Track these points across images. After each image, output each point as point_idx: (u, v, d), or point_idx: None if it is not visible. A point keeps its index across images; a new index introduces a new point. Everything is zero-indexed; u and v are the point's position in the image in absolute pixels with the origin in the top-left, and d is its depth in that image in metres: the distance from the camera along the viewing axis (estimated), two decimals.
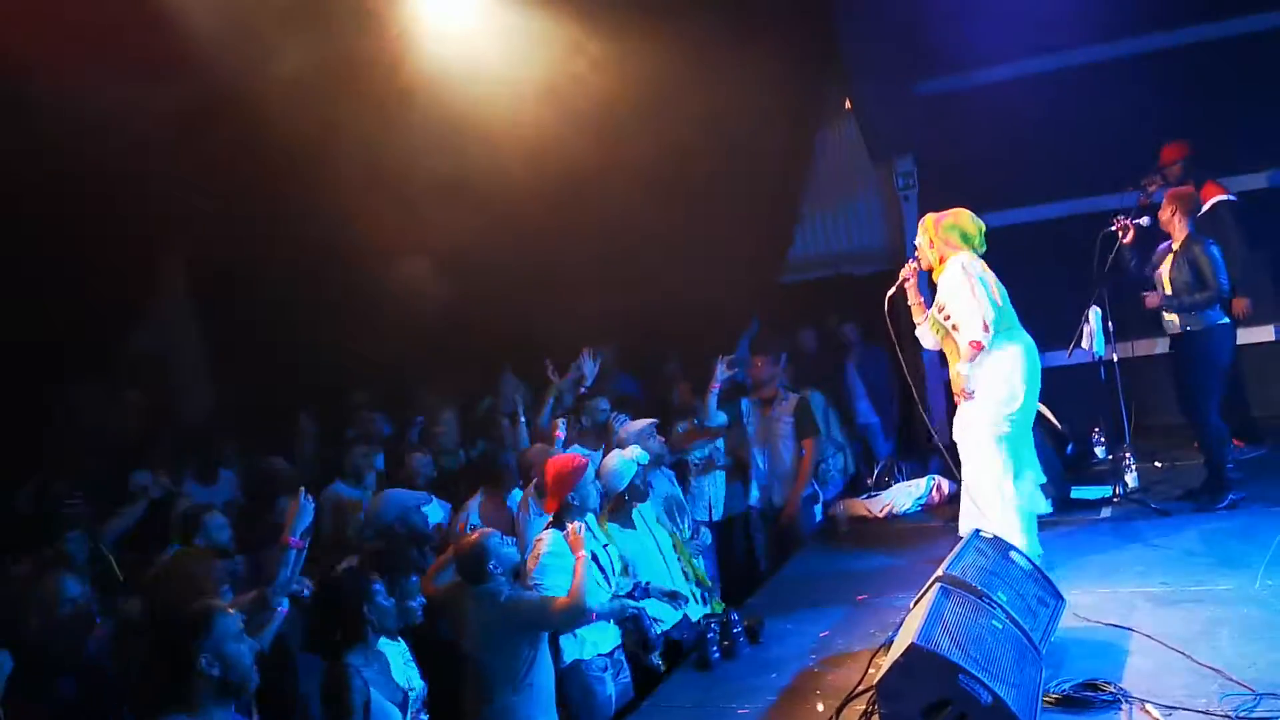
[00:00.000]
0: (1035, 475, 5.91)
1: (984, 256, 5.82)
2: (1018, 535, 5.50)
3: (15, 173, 7.35)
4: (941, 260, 5.82)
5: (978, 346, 5.64)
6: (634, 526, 5.82)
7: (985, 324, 5.60)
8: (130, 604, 4.75)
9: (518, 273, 9.27)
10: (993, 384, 5.69)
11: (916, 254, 5.99)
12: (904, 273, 6.01)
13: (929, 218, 5.92)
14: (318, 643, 4.23)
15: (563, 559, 5.02)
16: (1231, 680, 4.06)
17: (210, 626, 3.26)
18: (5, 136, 7.05)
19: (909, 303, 6.06)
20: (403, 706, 4.12)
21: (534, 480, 5.71)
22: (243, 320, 9.61)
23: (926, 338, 6.09)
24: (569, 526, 5.04)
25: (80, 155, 7.52)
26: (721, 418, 7.50)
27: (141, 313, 10.16)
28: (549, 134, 8.20)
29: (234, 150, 7.90)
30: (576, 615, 4.75)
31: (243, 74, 7.06)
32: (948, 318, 5.81)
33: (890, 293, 6.04)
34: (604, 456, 6.00)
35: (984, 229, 5.84)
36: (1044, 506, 5.94)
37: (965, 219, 5.81)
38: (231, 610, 3.40)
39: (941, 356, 6.41)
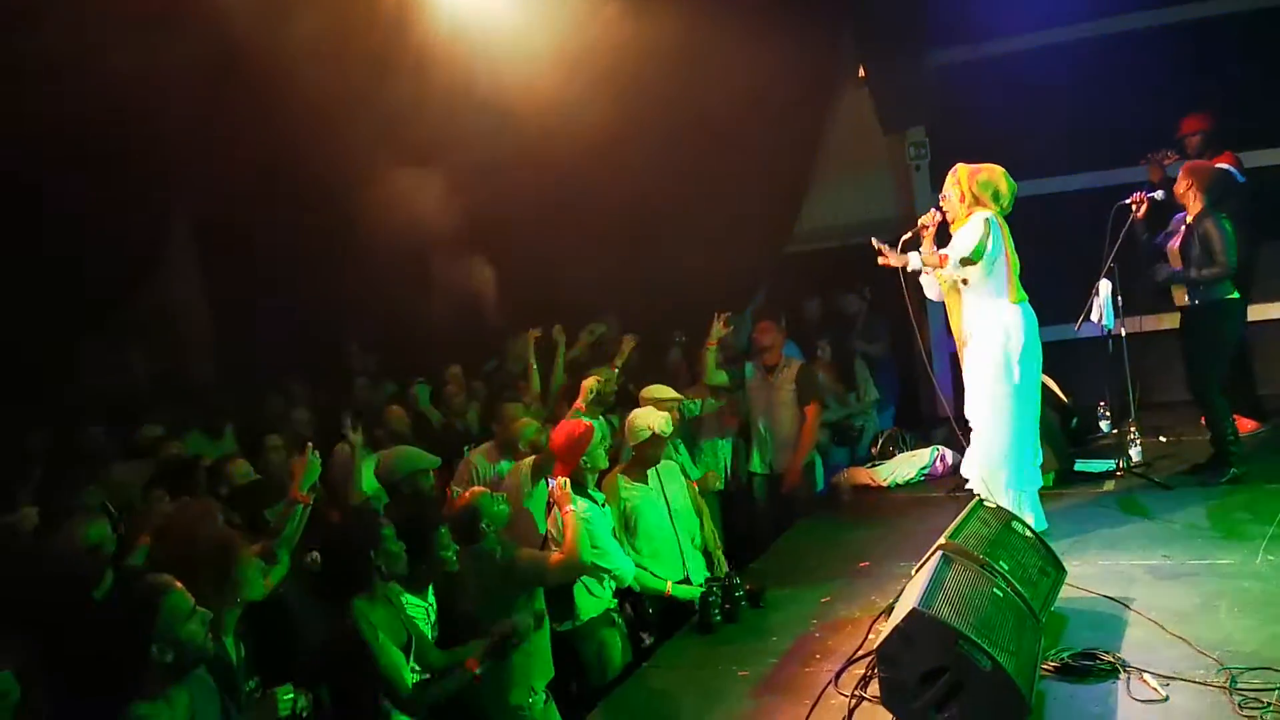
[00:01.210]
0: (1035, 453, 5.90)
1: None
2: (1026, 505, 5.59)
3: (23, 130, 7.33)
4: (969, 215, 5.73)
5: (944, 260, 5.62)
6: (646, 483, 5.89)
7: (961, 253, 5.56)
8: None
9: (523, 239, 9.26)
10: (994, 331, 5.69)
11: (942, 203, 5.88)
12: (924, 219, 5.90)
13: (962, 169, 5.79)
14: (325, 587, 4.25)
15: (598, 521, 5.21)
16: (1203, 654, 4.09)
17: (159, 611, 3.12)
18: (13, 92, 7.02)
19: (922, 249, 5.90)
20: (406, 649, 4.15)
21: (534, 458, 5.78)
22: (248, 279, 9.62)
23: (930, 287, 6.06)
24: (553, 483, 5.08)
25: (88, 113, 7.50)
26: (721, 377, 7.53)
27: (147, 271, 10.19)
28: (559, 100, 8.15)
29: (243, 109, 7.88)
30: (572, 569, 4.88)
31: (255, 31, 7.01)
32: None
33: (905, 237, 5.92)
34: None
35: (1016, 190, 5.76)
36: (1038, 480, 5.94)
37: (1000, 176, 5.72)
38: (175, 586, 3.23)
39: (947, 328, 6.39)
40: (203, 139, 8.10)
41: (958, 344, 5.93)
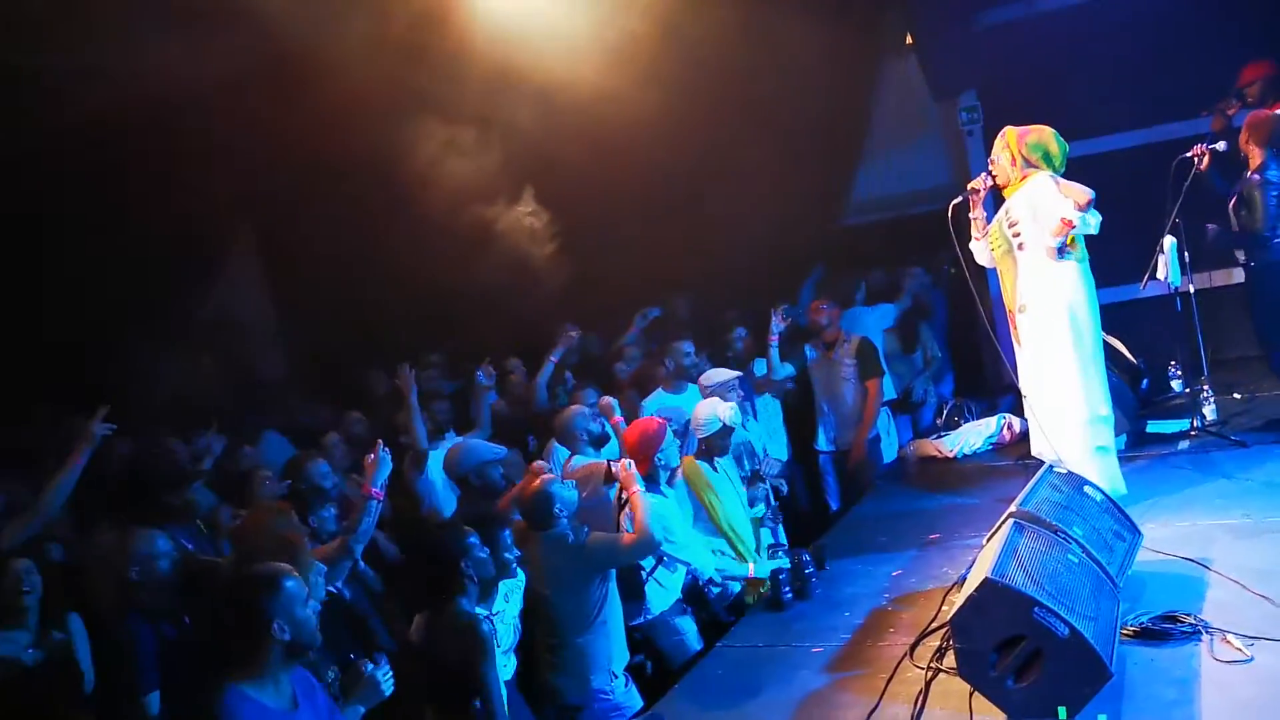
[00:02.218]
0: (1110, 415, 5.82)
1: None
2: (1104, 471, 5.51)
3: (83, 135, 7.49)
4: (1024, 178, 5.68)
5: (1068, 224, 5.47)
6: (716, 472, 5.93)
7: (1082, 204, 5.43)
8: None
9: (577, 222, 9.28)
10: (1054, 295, 5.61)
11: (991, 168, 5.84)
12: (974, 184, 5.90)
13: (1010, 132, 5.75)
14: (419, 597, 4.30)
15: (674, 516, 5.27)
16: None
17: (280, 591, 3.27)
18: (70, 99, 7.19)
19: (970, 215, 5.93)
20: None
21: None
22: (311, 279, 9.77)
23: (981, 254, 5.99)
24: (618, 464, 5.12)
25: (143, 117, 7.64)
26: (787, 369, 7.56)
27: (212, 274, 10.39)
28: (605, 80, 8.13)
29: (300, 109, 7.98)
30: (646, 548, 4.90)
31: (308, 31, 7.10)
32: (1017, 234, 5.71)
33: (955, 201, 5.91)
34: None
35: (1067, 150, 5.69)
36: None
37: (1049, 137, 5.67)
38: (294, 573, 3.40)
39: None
40: (260, 140, 8.22)
41: (1009, 312, 5.85)
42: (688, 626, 5.45)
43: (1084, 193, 5.47)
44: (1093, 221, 5.51)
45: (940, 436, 7.67)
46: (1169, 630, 4.06)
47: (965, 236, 6.04)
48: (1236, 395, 7.29)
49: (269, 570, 3.38)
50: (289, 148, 8.18)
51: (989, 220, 5.90)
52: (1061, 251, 5.55)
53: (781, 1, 7.97)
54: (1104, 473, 5.58)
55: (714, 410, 5.90)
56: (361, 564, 5.07)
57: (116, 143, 7.68)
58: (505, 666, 4.60)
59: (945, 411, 7.98)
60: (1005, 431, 7.45)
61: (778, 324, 7.39)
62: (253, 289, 10.69)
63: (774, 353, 7.46)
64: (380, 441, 4.84)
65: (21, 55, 6.58)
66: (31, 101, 7.00)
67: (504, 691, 4.21)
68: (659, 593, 5.40)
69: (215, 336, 9.89)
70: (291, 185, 8.86)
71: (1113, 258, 5.92)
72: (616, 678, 4.82)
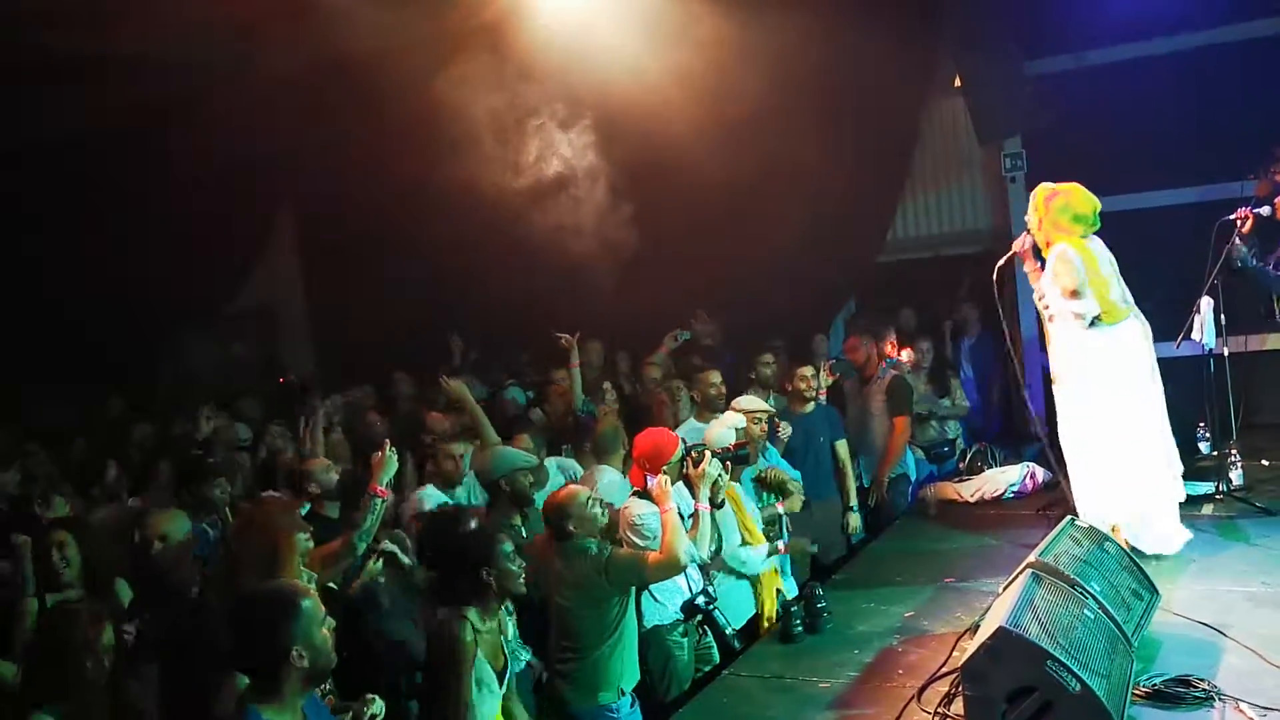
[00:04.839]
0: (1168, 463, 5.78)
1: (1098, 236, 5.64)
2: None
3: (128, 132, 7.62)
4: (1048, 244, 5.67)
5: (1076, 316, 5.51)
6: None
7: (1074, 289, 5.45)
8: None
9: (614, 245, 9.32)
10: (1083, 370, 5.57)
11: (1028, 227, 5.84)
12: (1016, 245, 5.90)
13: (1040, 193, 5.73)
14: (441, 594, 4.26)
15: (656, 519, 5.11)
16: None
17: (298, 616, 3.08)
18: (121, 95, 7.31)
19: (1025, 269, 5.94)
20: (501, 675, 4.17)
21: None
22: (349, 277, 9.87)
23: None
24: (654, 481, 5.09)
25: (192, 114, 7.77)
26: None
27: (250, 268, 10.51)
28: (650, 110, 8.18)
29: (343, 110, 8.09)
30: (671, 568, 4.81)
31: (356, 34, 7.20)
32: (1046, 307, 5.72)
33: (1000, 263, 5.92)
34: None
35: (1098, 207, 5.63)
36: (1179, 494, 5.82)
37: (1078, 198, 5.60)
38: (310, 592, 3.24)
39: (1042, 341, 6.30)
40: (308, 142, 8.33)
41: (1053, 378, 5.85)
42: (681, 652, 5.30)
43: (1071, 281, 5.48)
44: (1085, 308, 5.50)
45: (962, 480, 7.62)
46: (1181, 694, 4.03)
47: (1006, 300, 6.03)
48: (1264, 462, 7.21)
49: (286, 592, 3.21)
50: (336, 146, 8.29)
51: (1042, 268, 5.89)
52: (1094, 320, 5.54)
53: (836, 36, 7.98)
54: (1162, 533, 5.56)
55: (720, 427, 5.89)
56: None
57: (162, 136, 7.81)
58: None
59: (969, 456, 7.92)
60: (1028, 480, 7.38)
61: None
62: (289, 284, 10.80)
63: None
64: (388, 441, 4.89)
65: (79, 47, 6.70)
66: (82, 93, 7.13)
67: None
68: (652, 605, 5.27)
69: (248, 327, 10.02)
70: (335, 183, 8.95)
71: (1148, 315, 5.88)
72: (624, 694, 4.79)
